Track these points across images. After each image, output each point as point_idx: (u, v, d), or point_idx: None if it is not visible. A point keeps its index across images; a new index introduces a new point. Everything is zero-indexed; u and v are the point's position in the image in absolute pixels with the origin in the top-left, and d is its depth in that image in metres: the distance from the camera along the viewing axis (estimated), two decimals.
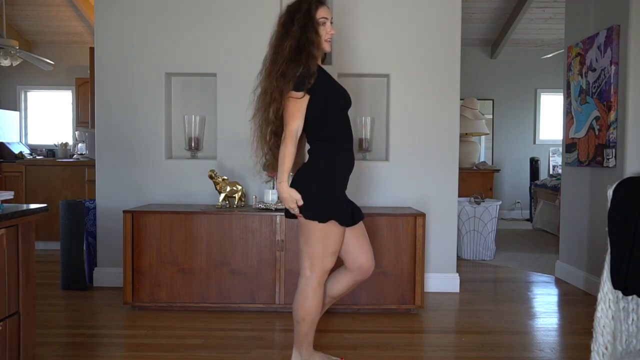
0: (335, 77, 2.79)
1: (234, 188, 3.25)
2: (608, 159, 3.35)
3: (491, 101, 8.00)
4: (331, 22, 2.15)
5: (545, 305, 3.39)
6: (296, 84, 2.02)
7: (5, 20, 6.19)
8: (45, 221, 4.82)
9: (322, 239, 2.08)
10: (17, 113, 7.45)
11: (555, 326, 2.98)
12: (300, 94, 2.04)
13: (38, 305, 3.12)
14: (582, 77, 3.72)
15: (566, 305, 3.40)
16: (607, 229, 1.55)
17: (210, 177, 3.19)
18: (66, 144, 6.23)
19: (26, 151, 6.62)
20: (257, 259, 3.09)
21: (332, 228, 2.08)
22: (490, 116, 7.98)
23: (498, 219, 5.03)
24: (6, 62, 5.52)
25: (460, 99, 3.95)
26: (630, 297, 1.54)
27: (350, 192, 2.30)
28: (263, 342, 2.63)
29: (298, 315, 2.13)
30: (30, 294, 1.80)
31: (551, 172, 7.62)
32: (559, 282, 3.96)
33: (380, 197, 3.58)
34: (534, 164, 7.60)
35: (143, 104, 3.62)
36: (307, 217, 2.07)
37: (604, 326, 1.54)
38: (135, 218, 3.09)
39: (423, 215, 3.09)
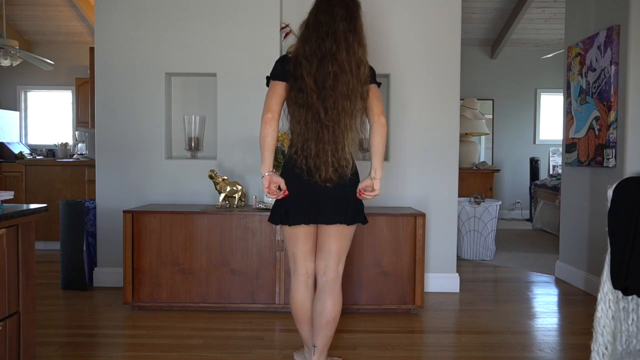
0: None
1: (234, 188, 3.25)
2: (608, 159, 3.35)
3: (491, 101, 8.00)
4: None
5: (545, 305, 3.39)
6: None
7: (5, 20, 6.18)
8: (45, 221, 4.82)
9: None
10: (17, 113, 7.46)
11: (555, 326, 2.98)
12: None
13: (38, 305, 3.11)
14: (582, 77, 3.72)
15: (566, 305, 3.40)
16: (607, 229, 1.55)
17: (210, 177, 3.19)
18: (66, 144, 6.23)
19: (26, 151, 6.62)
20: (257, 259, 3.09)
21: None
22: (490, 116, 7.97)
23: (498, 219, 5.03)
24: (6, 62, 5.52)
25: (460, 99, 3.94)
26: (630, 297, 1.54)
27: None
28: (263, 342, 2.63)
29: (332, 315, 2.08)
30: (30, 294, 1.80)
31: (551, 172, 7.63)
32: (559, 282, 3.96)
33: (380, 197, 3.57)
34: (534, 164, 7.60)
35: (143, 104, 3.62)
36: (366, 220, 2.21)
37: (604, 326, 1.54)
38: (135, 218, 3.09)
39: (423, 215, 3.09)
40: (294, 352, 2.42)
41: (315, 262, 2.17)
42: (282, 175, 2.10)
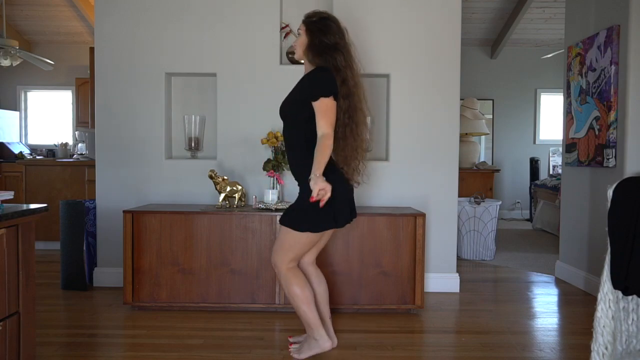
0: None
1: (234, 188, 3.25)
2: (608, 159, 3.35)
3: (491, 101, 8.00)
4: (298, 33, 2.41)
5: (545, 305, 3.39)
6: None
7: (5, 20, 6.18)
8: (45, 221, 4.82)
9: None
10: (17, 113, 7.46)
11: (555, 326, 2.98)
12: None
13: (38, 305, 3.12)
14: (582, 77, 3.72)
15: (566, 305, 3.40)
16: (607, 229, 1.55)
17: (210, 177, 3.19)
18: (66, 144, 6.23)
19: (26, 151, 6.62)
20: (257, 259, 3.09)
21: None
22: (490, 116, 7.98)
23: (498, 219, 5.03)
24: (6, 62, 5.52)
25: (460, 99, 3.95)
26: (630, 297, 1.54)
27: None
28: (263, 342, 2.63)
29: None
30: (30, 294, 1.80)
31: (551, 172, 7.63)
32: (559, 282, 3.96)
33: (380, 197, 3.58)
34: (534, 164, 7.60)
35: (143, 104, 3.61)
36: None
37: (604, 326, 1.54)
38: (135, 218, 3.09)
39: (423, 215, 3.09)
40: (292, 347, 2.42)
41: (307, 254, 2.48)
42: (333, 183, 2.23)
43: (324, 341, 2.36)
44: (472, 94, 7.49)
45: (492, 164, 7.95)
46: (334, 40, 2.29)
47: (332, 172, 2.27)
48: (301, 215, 2.28)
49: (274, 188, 3.37)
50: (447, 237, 3.62)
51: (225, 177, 3.25)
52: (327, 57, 2.27)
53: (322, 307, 2.47)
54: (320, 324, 2.37)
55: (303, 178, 2.30)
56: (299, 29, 2.37)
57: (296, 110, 2.30)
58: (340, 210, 2.29)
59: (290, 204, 2.44)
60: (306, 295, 2.33)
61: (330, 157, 2.29)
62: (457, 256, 4.01)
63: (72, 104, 7.55)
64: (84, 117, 7.01)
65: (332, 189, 2.19)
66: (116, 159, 3.62)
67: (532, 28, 7.29)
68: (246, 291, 3.10)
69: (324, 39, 2.28)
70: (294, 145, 2.37)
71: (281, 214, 3.02)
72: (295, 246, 2.32)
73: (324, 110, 2.21)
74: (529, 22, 7.11)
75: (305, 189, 2.29)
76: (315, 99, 2.21)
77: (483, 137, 7.56)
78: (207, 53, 3.59)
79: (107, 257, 3.64)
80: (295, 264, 2.39)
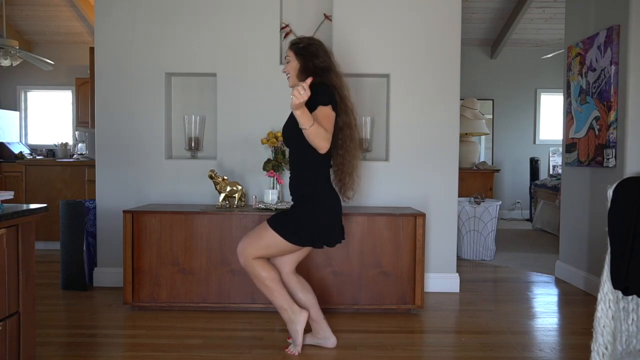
0: None
1: (234, 188, 3.25)
2: (608, 159, 3.35)
3: (491, 101, 8.00)
4: (287, 61, 2.44)
5: (545, 305, 3.39)
6: None
7: (5, 20, 6.19)
8: (45, 221, 4.82)
9: None
10: (17, 113, 7.46)
11: (555, 326, 2.98)
12: None
13: (38, 305, 3.12)
14: (582, 77, 3.72)
15: (566, 305, 3.40)
16: (607, 229, 1.55)
17: (210, 177, 3.19)
18: (66, 144, 6.23)
19: (26, 151, 6.62)
20: None
21: None
22: (490, 116, 7.98)
23: (498, 219, 5.03)
24: (6, 62, 5.52)
25: (460, 99, 3.95)
26: (630, 297, 1.54)
27: None
28: (263, 342, 2.63)
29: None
30: (30, 294, 1.80)
31: (551, 172, 7.63)
32: (559, 282, 3.96)
33: (380, 197, 3.58)
34: (534, 164, 7.61)
35: (143, 104, 3.61)
36: None
37: (604, 326, 1.54)
38: (135, 218, 3.09)
39: (423, 215, 3.09)
40: (288, 349, 2.43)
41: (286, 263, 2.50)
42: (328, 209, 2.37)
43: (300, 315, 2.42)
44: (472, 94, 7.49)
45: (492, 164, 7.95)
46: (326, 63, 2.38)
47: (327, 193, 2.38)
48: (292, 225, 2.34)
49: (274, 188, 3.37)
50: (447, 237, 3.62)
51: (225, 177, 3.25)
52: (322, 79, 2.34)
53: (314, 312, 2.50)
54: (292, 301, 2.43)
55: (303, 198, 2.37)
56: (287, 55, 2.42)
57: (298, 129, 2.28)
58: (332, 235, 2.40)
59: (287, 208, 2.49)
60: (272, 276, 2.38)
61: (328, 176, 2.40)
62: (457, 256, 4.00)
63: (72, 104, 7.55)
64: (84, 117, 7.01)
65: (328, 210, 2.36)
66: (116, 159, 3.62)
67: (532, 28, 7.29)
68: (246, 291, 3.10)
69: (317, 62, 2.35)
70: (297, 165, 2.40)
71: None
72: (273, 249, 2.37)
73: (321, 117, 2.23)
74: (529, 22, 7.11)
75: (301, 205, 2.38)
76: (314, 108, 2.22)
77: (483, 137, 7.56)
78: (207, 53, 3.59)
79: (107, 257, 3.64)
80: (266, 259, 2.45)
